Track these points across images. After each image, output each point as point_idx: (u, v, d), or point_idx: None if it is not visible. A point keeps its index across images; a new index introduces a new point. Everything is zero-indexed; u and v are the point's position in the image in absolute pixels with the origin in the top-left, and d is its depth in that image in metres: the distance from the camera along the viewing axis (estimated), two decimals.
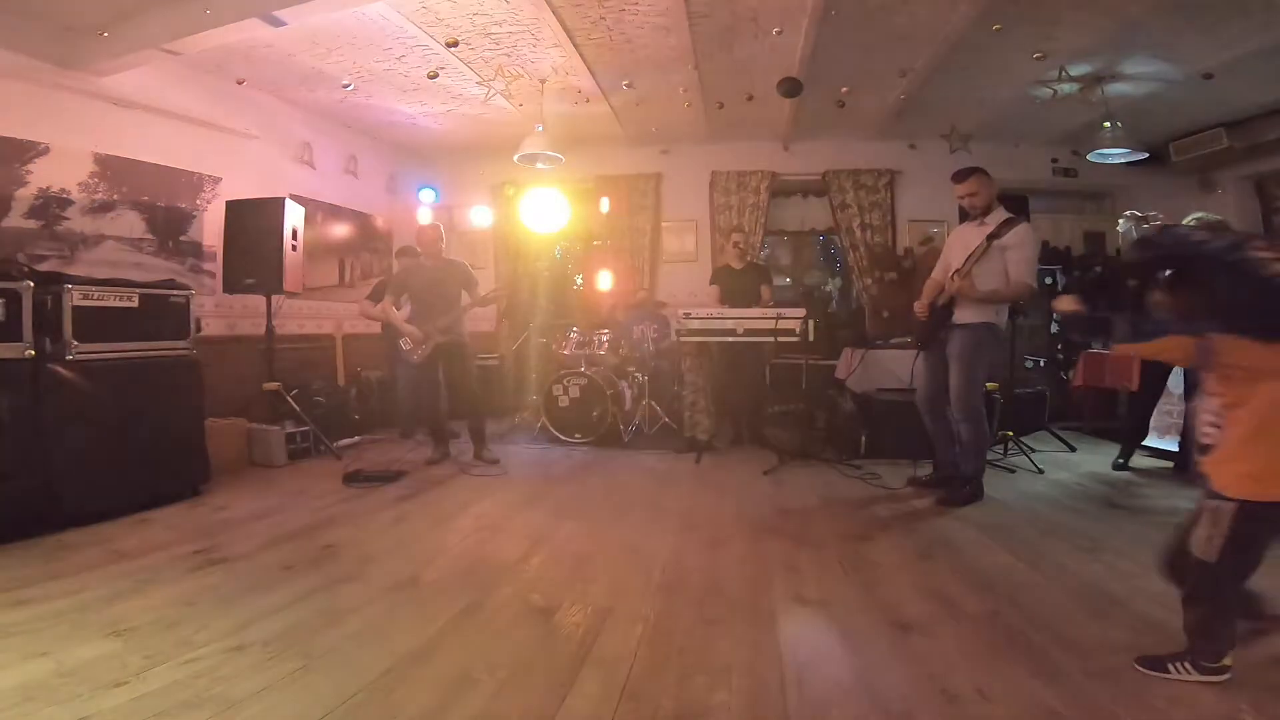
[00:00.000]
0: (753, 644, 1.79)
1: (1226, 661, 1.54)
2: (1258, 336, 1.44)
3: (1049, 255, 5.25)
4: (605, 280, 6.05)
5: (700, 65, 4.47)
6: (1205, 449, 1.53)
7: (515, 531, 2.83)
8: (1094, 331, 1.71)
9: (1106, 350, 1.69)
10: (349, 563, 2.43)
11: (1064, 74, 4.36)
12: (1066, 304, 1.76)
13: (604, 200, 6.26)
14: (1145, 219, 3.77)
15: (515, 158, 5.06)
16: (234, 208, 4.30)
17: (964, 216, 3.46)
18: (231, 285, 4.27)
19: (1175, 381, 4.02)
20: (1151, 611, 1.94)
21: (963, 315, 3.21)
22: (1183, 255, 1.56)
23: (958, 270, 3.17)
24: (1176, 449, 3.85)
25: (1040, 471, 3.84)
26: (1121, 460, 3.99)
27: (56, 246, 3.70)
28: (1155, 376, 3.93)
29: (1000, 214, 3.22)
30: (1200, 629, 1.56)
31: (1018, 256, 3.10)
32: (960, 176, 3.28)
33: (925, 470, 3.59)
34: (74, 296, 2.92)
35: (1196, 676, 1.54)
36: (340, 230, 5.87)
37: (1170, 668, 1.57)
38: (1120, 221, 3.86)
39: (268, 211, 4.18)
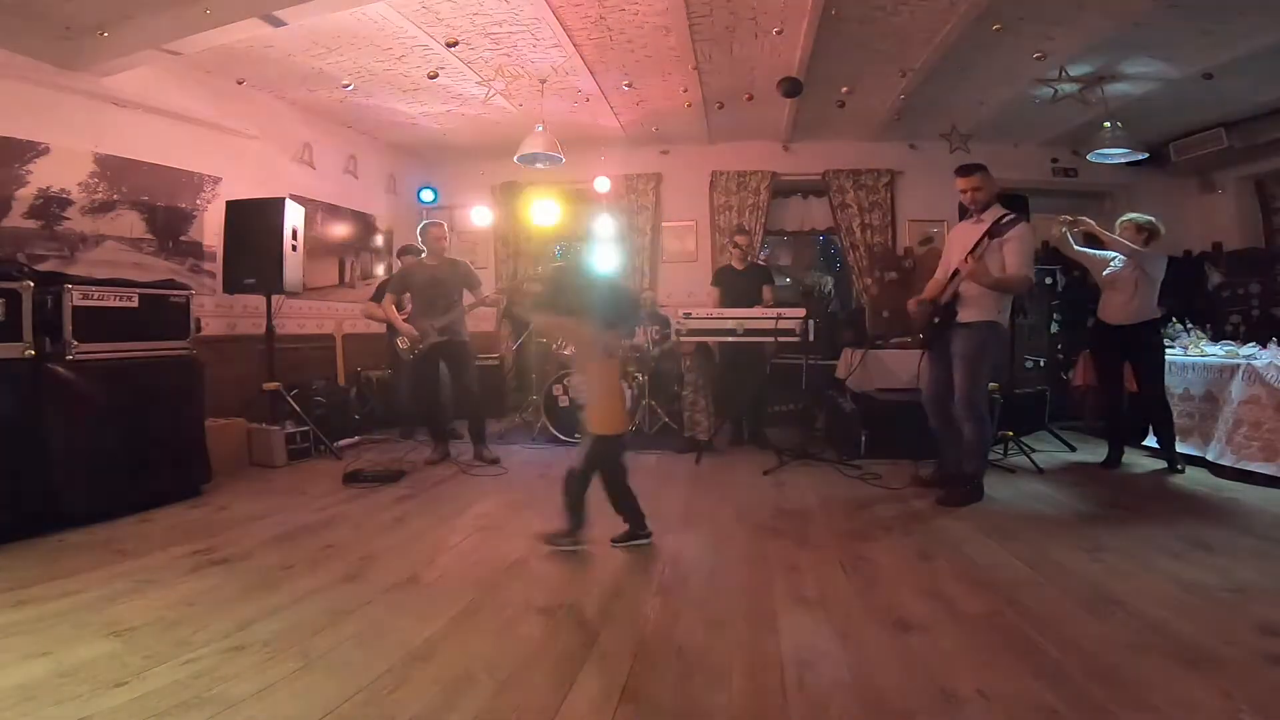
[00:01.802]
0: (753, 644, 1.79)
1: (581, 535, 2.53)
2: (606, 325, 2.50)
3: (1049, 255, 5.25)
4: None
5: (700, 65, 4.47)
6: (583, 406, 2.53)
7: (515, 531, 2.83)
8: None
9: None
10: (349, 563, 2.42)
11: (1064, 74, 4.36)
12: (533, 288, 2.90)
13: (602, 180, 6.21)
14: (1075, 222, 3.86)
15: (515, 158, 5.07)
16: (234, 208, 4.30)
17: (963, 215, 3.46)
18: (231, 285, 4.27)
19: (1178, 382, 4.03)
20: (1151, 611, 1.94)
21: (966, 314, 3.21)
22: (571, 281, 2.67)
23: (969, 254, 3.17)
24: (1195, 451, 3.87)
25: (1040, 471, 3.84)
26: (1111, 459, 4.00)
27: (56, 246, 3.70)
28: (1112, 373, 4.00)
29: (996, 211, 3.22)
30: (569, 510, 2.50)
31: (1013, 248, 3.11)
32: (965, 171, 3.29)
33: (926, 470, 3.59)
34: (74, 296, 2.93)
35: (572, 546, 2.50)
36: (340, 230, 5.87)
37: (559, 542, 2.50)
38: (1055, 227, 3.96)
39: (268, 211, 4.18)
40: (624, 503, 2.57)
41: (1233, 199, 5.90)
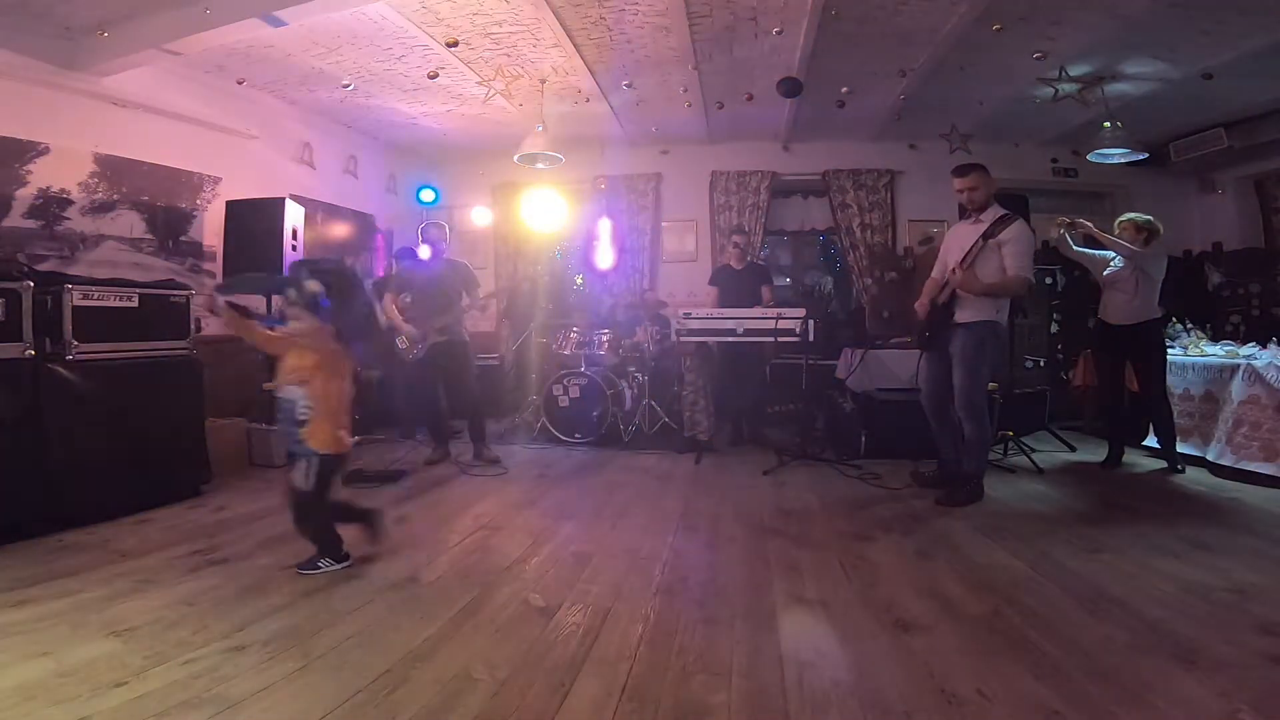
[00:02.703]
0: (753, 644, 1.78)
1: (347, 551, 2.33)
2: (345, 340, 2.28)
3: (1049, 255, 5.25)
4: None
5: (700, 65, 4.47)
6: (303, 423, 2.24)
7: (515, 531, 2.83)
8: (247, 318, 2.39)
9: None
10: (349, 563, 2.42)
11: (1064, 74, 4.36)
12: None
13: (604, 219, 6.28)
14: (1073, 225, 3.86)
15: (515, 158, 5.07)
16: (234, 208, 4.30)
17: (964, 215, 3.46)
18: None
19: (1178, 382, 4.03)
20: (1151, 611, 1.94)
21: (964, 314, 3.20)
22: (337, 287, 2.28)
23: (957, 265, 3.17)
24: (1195, 451, 3.87)
25: (1040, 471, 3.84)
26: (1111, 459, 4.00)
27: (56, 246, 3.70)
28: (1113, 373, 4.01)
29: (995, 211, 3.22)
30: (320, 536, 2.31)
31: (1011, 250, 3.11)
32: (961, 171, 3.29)
33: (926, 469, 3.59)
34: (74, 296, 2.92)
35: (337, 566, 2.29)
36: (340, 230, 5.87)
37: (320, 564, 2.28)
38: (1052, 230, 3.97)
39: (268, 211, 4.18)
40: (322, 525, 2.31)
41: (1233, 199, 5.90)
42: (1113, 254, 3.88)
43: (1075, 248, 4.01)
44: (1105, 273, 3.94)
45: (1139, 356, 3.88)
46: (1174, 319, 4.39)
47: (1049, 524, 2.89)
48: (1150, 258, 3.75)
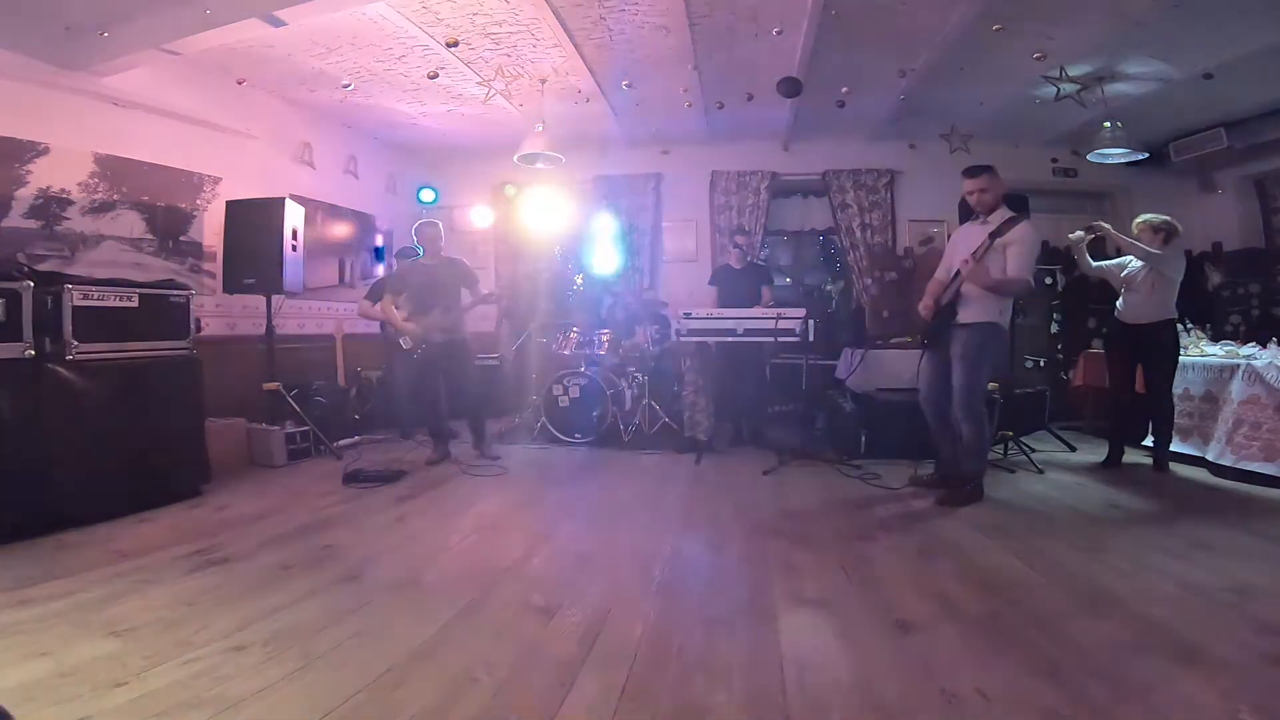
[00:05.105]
0: (753, 644, 1.78)
1: None
2: None
3: (1049, 255, 5.25)
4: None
5: (700, 65, 4.47)
6: None
7: (515, 531, 2.83)
8: None
9: None
10: (349, 563, 2.42)
11: (1064, 74, 4.36)
12: None
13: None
14: (1092, 229, 3.85)
15: (515, 158, 5.07)
16: (234, 208, 4.30)
17: (964, 217, 3.46)
18: (231, 285, 4.27)
19: (1178, 382, 4.03)
20: (1151, 611, 1.94)
21: (968, 314, 3.20)
22: None
23: (970, 255, 3.17)
24: (1195, 451, 3.87)
25: (1040, 471, 3.84)
26: (1112, 459, 3.99)
27: (56, 246, 3.70)
28: (1123, 373, 3.98)
29: (1003, 213, 3.22)
30: None
31: (1016, 251, 3.11)
32: (973, 173, 3.28)
33: (926, 470, 3.59)
34: (74, 296, 2.92)
35: None
36: (340, 230, 5.87)
37: None
38: (1072, 238, 3.96)
39: (268, 211, 4.18)
40: None
41: (1233, 199, 5.90)
42: (1129, 258, 3.87)
43: (1094, 265, 4.00)
44: (1123, 274, 3.94)
45: (1149, 355, 3.86)
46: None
47: (1049, 524, 2.89)
48: (1167, 259, 3.74)
